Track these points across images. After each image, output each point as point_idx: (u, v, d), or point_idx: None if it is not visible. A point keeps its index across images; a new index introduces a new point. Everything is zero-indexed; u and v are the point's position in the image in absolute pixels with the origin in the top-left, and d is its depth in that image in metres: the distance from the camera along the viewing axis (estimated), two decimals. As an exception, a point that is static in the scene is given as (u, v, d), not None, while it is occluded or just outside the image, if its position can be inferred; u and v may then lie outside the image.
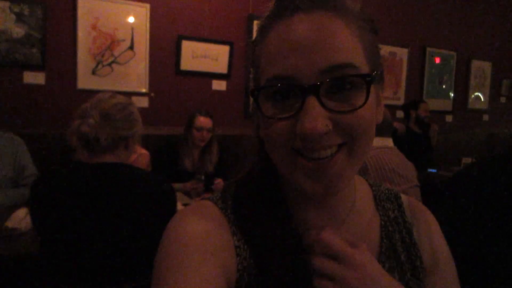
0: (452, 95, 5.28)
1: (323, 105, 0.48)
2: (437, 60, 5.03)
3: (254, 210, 0.59)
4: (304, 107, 0.48)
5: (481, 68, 5.50)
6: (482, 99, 5.62)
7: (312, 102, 0.48)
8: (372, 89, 0.50)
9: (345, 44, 0.49)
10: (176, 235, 0.55)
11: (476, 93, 5.54)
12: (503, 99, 5.85)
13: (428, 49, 4.91)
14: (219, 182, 2.71)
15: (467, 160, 4.42)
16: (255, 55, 0.57)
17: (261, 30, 0.55)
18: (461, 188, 0.90)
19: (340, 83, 0.49)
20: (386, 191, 0.72)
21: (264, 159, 0.61)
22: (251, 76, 0.61)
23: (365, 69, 0.51)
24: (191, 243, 0.54)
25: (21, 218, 1.84)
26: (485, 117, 5.67)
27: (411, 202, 0.73)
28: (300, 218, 0.61)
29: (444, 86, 5.18)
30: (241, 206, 0.60)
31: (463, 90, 5.38)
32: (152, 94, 3.29)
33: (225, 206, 0.61)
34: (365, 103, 0.49)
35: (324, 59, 0.48)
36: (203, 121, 2.86)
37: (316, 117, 0.47)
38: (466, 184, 0.91)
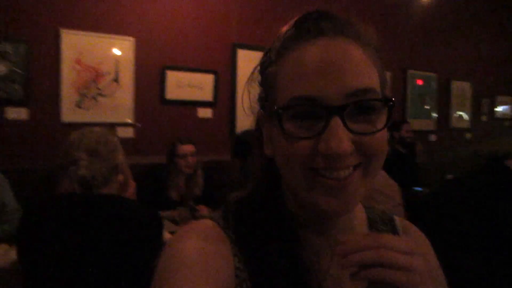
0: (435, 115, 5.39)
1: (346, 126, 0.50)
2: (419, 82, 5.17)
3: (257, 232, 0.58)
4: (329, 127, 0.49)
5: (461, 88, 5.65)
6: (464, 118, 5.75)
7: (338, 123, 0.49)
8: (382, 104, 0.53)
9: (367, 70, 0.52)
10: (175, 252, 0.54)
11: (459, 112, 5.66)
12: (483, 117, 6.00)
13: (410, 71, 5.04)
14: (202, 209, 2.71)
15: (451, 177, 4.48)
16: (268, 75, 0.57)
17: (279, 50, 0.55)
18: (434, 205, 0.92)
19: (364, 106, 0.51)
20: (381, 214, 0.73)
21: (270, 178, 0.61)
22: (258, 95, 0.62)
23: (380, 94, 0.53)
24: (189, 262, 0.52)
25: (0, 255, 1.82)
26: (468, 135, 5.78)
27: (405, 224, 0.73)
28: (305, 243, 0.60)
29: (426, 107, 5.29)
30: (243, 227, 0.59)
31: (445, 110, 5.51)
32: (138, 124, 3.29)
33: (226, 225, 0.60)
34: (385, 126, 0.52)
35: (350, 83, 0.50)
36: (185, 148, 2.89)
37: (342, 137, 0.49)
38: (439, 201, 0.93)
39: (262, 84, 0.60)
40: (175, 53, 3.45)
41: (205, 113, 3.64)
